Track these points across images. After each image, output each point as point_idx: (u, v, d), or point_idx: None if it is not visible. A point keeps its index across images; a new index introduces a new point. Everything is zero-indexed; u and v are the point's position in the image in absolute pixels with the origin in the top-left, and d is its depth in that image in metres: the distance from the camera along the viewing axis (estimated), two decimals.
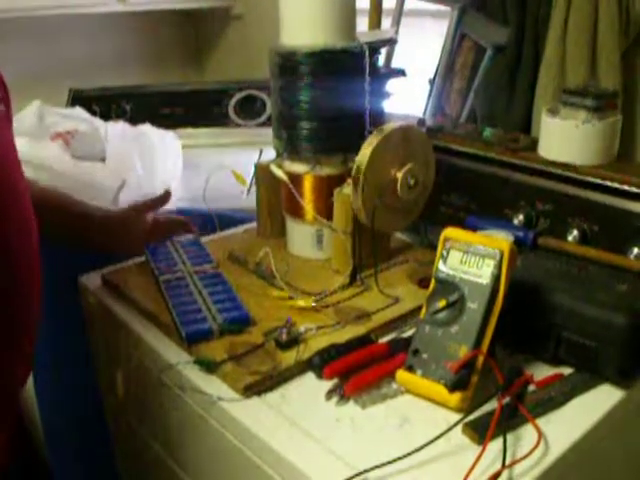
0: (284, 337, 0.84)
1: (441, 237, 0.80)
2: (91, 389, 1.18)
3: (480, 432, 0.69)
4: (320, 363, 0.80)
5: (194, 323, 0.87)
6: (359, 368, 0.79)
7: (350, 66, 1.00)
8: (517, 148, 1.09)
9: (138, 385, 0.98)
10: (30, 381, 1.27)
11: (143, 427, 1.04)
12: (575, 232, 0.99)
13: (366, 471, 0.65)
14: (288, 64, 0.99)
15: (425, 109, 1.44)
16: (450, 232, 0.79)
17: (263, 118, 1.99)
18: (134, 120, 1.74)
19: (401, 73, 1.35)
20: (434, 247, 0.82)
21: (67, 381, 1.31)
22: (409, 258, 1.09)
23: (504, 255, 0.74)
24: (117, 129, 1.61)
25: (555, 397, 0.76)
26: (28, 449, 1.10)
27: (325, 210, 1.04)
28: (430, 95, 1.44)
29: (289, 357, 0.82)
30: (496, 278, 0.74)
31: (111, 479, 1.25)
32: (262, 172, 1.15)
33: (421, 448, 0.67)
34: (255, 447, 0.74)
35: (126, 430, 1.13)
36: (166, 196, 1.15)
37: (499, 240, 0.77)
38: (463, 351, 0.74)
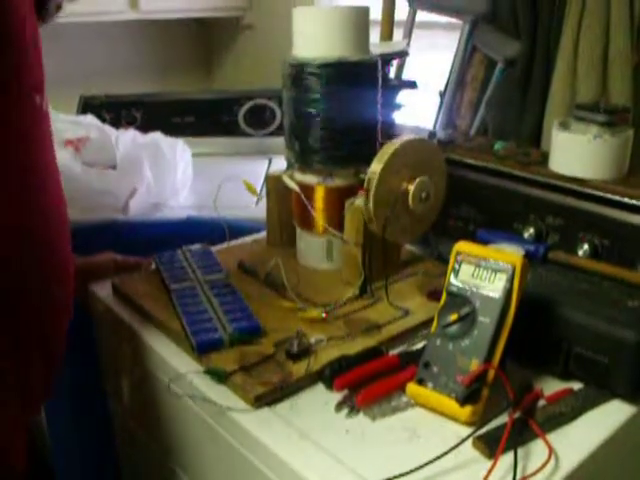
0: (295, 348, 0.84)
1: (453, 251, 0.80)
2: (97, 394, 1.18)
3: (491, 446, 0.69)
4: (330, 374, 0.80)
5: (204, 332, 0.87)
6: (369, 380, 0.79)
7: (363, 78, 1.01)
8: (528, 162, 1.09)
9: (147, 394, 0.98)
10: None
11: (150, 435, 1.04)
12: (585, 247, 0.99)
13: None
14: (301, 75, 0.99)
15: (435, 121, 1.44)
16: (462, 246, 0.80)
17: (272, 128, 2.00)
18: (144, 128, 1.75)
19: (412, 85, 1.35)
20: (444, 259, 0.82)
21: (72, 384, 1.31)
22: (419, 270, 1.09)
23: (516, 269, 0.74)
24: (128, 137, 1.62)
25: (565, 412, 0.76)
26: (34, 451, 1.10)
27: (336, 221, 1.04)
28: (440, 108, 1.45)
29: (300, 368, 0.82)
30: (508, 292, 0.75)
31: None
32: (273, 182, 1.15)
33: (432, 461, 0.67)
34: (264, 458, 0.74)
35: (132, 438, 1.13)
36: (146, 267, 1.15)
37: (511, 254, 0.77)
38: (474, 365, 0.74)
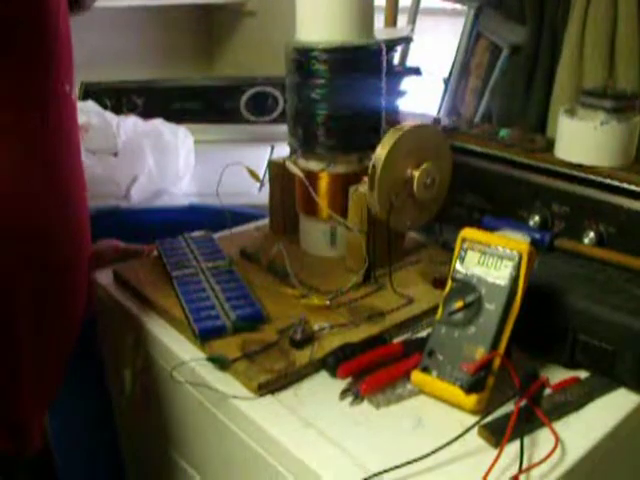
0: (298, 335, 0.83)
1: (459, 237, 0.79)
2: (99, 386, 1.18)
3: (497, 435, 0.68)
4: (334, 362, 0.79)
5: (207, 320, 0.87)
6: (373, 368, 0.79)
7: (367, 64, 0.99)
8: (533, 149, 1.08)
9: (149, 382, 0.98)
10: None
11: (152, 424, 1.03)
12: (591, 234, 0.98)
13: (381, 473, 0.64)
14: (305, 60, 0.98)
15: (440, 108, 1.43)
16: (468, 232, 0.79)
17: (275, 114, 1.99)
18: (146, 115, 1.74)
19: (416, 72, 1.34)
20: (448, 247, 0.82)
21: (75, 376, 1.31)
22: (423, 258, 1.08)
23: (523, 257, 0.74)
24: (129, 123, 1.61)
25: (571, 401, 0.75)
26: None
27: (340, 208, 1.03)
28: (445, 94, 1.43)
29: (303, 356, 0.81)
30: (514, 280, 0.74)
31: (118, 477, 1.25)
32: (275, 169, 1.14)
33: (437, 450, 0.66)
34: (268, 446, 0.73)
35: (134, 426, 1.12)
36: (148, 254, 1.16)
37: (518, 241, 0.76)
38: (480, 353, 0.73)
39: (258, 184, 1.15)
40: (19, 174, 0.79)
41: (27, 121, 0.80)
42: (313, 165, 1.05)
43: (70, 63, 0.87)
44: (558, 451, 0.67)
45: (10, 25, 0.75)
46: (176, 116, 1.87)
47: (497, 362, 0.73)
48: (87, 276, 0.94)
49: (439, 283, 0.95)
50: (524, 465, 0.65)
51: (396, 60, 1.40)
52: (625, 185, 0.96)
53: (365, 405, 0.75)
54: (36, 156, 0.82)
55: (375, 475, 0.64)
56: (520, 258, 0.74)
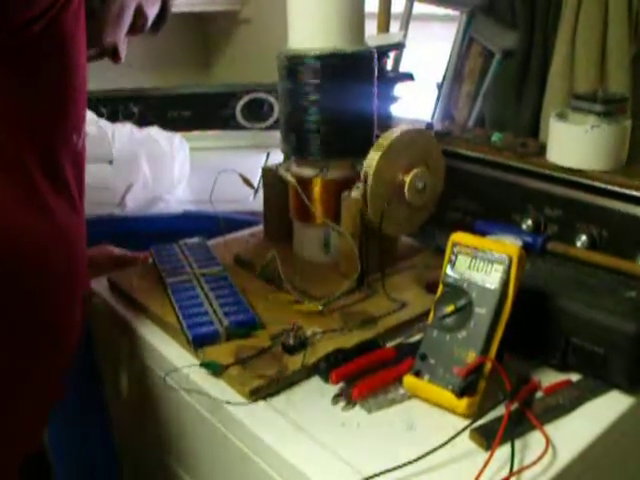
0: (291, 341, 0.83)
1: (449, 242, 0.79)
2: (95, 389, 1.18)
3: (488, 438, 0.68)
4: (327, 367, 0.79)
5: (200, 326, 0.87)
6: (366, 373, 0.79)
7: (359, 70, 1.00)
8: (526, 153, 1.09)
9: (144, 388, 0.98)
10: None
11: (147, 430, 1.03)
12: (584, 238, 0.99)
13: (372, 477, 0.64)
14: (296, 67, 0.99)
15: (433, 113, 1.44)
16: (458, 237, 0.79)
17: (270, 121, 2.00)
18: (141, 122, 1.75)
19: (409, 77, 1.34)
20: (441, 251, 0.82)
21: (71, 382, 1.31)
22: (416, 262, 1.08)
23: (513, 260, 0.74)
24: (125, 131, 1.61)
25: (563, 404, 0.76)
26: None
27: (333, 214, 1.03)
28: (438, 99, 1.44)
29: (296, 361, 0.81)
30: (505, 283, 0.74)
31: None
32: (269, 175, 1.15)
33: (428, 454, 0.66)
34: (260, 451, 0.74)
35: (130, 432, 1.13)
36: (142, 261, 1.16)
37: (508, 245, 0.76)
38: (471, 357, 0.73)
39: (253, 191, 1.15)
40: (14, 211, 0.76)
41: (30, 162, 0.77)
42: (306, 171, 1.05)
43: (82, 113, 0.87)
44: (549, 454, 0.68)
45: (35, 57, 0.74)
46: (172, 124, 1.88)
47: (488, 366, 0.73)
48: (83, 311, 0.92)
49: (432, 287, 0.95)
50: (515, 468, 0.65)
51: (389, 66, 1.40)
52: (617, 188, 0.97)
53: (357, 410, 0.76)
54: (33, 200, 0.78)
55: (367, 479, 0.64)
56: (510, 262, 0.74)
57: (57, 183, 0.82)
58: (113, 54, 0.99)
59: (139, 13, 0.96)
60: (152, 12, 0.99)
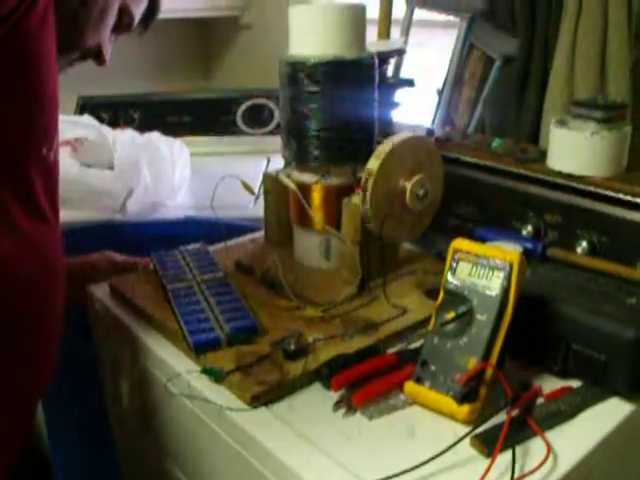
0: (292, 347, 0.83)
1: (450, 248, 0.79)
2: (97, 396, 1.18)
3: (489, 445, 0.68)
4: (328, 374, 0.79)
5: (202, 332, 0.87)
6: (367, 379, 0.79)
7: (360, 76, 1.00)
8: (526, 159, 1.09)
9: (145, 394, 0.98)
10: None
11: (148, 436, 1.03)
12: (584, 244, 0.99)
13: None
14: (298, 74, 0.99)
15: (433, 119, 1.44)
16: (459, 243, 0.79)
17: (271, 127, 2.00)
18: (142, 128, 1.75)
19: (410, 83, 1.35)
20: (442, 257, 0.82)
21: (73, 388, 1.31)
22: (417, 268, 1.09)
23: (514, 267, 0.74)
24: (125, 137, 1.61)
25: (564, 410, 0.76)
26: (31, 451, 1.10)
27: (334, 220, 1.03)
28: (438, 105, 1.44)
29: (297, 367, 0.81)
30: (505, 290, 0.74)
31: None
32: (270, 181, 1.15)
33: (429, 460, 0.66)
34: (262, 457, 0.74)
35: (131, 438, 1.12)
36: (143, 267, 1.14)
37: (509, 252, 0.76)
38: (472, 363, 0.73)
39: (253, 197, 1.15)
40: None
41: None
42: (307, 177, 1.05)
43: (54, 124, 0.80)
44: (550, 460, 0.68)
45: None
46: (173, 129, 1.88)
47: (489, 372, 0.73)
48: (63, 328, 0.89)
49: (433, 294, 0.96)
50: (516, 474, 0.65)
51: (390, 72, 1.41)
52: (617, 195, 0.97)
53: (358, 416, 0.76)
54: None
55: None
56: (511, 268, 0.74)
57: (28, 202, 0.77)
58: (97, 56, 0.95)
59: (124, 12, 0.92)
60: (138, 10, 0.95)
